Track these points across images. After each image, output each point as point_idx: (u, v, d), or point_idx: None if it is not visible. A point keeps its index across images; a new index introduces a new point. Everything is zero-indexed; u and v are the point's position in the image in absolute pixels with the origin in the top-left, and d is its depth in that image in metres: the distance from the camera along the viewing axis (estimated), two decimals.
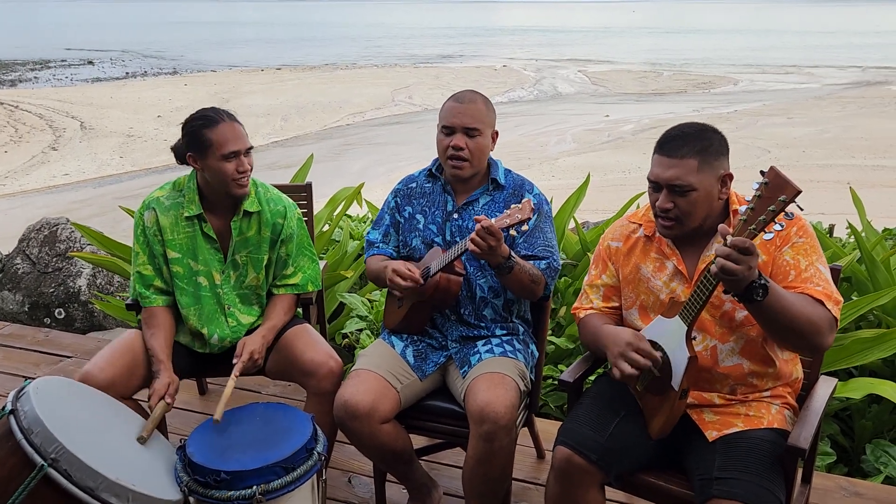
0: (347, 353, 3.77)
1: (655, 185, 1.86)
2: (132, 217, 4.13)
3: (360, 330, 3.68)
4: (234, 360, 2.25)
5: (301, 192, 2.93)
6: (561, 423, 3.12)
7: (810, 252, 1.82)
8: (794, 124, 16.12)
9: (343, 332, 3.71)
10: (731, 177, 1.86)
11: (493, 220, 2.00)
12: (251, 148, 2.30)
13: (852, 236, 4.32)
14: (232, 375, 2.20)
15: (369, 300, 3.87)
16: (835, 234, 4.95)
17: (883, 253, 3.63)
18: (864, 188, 10.72)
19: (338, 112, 18.48)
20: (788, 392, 1.96)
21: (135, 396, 2.31)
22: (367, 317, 3.73)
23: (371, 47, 37.15)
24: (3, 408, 1.84)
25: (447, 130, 2.27)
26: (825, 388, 1.99)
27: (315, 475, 2.01)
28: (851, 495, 2.54)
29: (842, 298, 1.79)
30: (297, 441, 1.99)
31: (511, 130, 15.55)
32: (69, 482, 1.72)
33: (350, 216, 5.07)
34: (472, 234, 2.00)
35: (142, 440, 2.01)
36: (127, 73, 26.67)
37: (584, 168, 12.60)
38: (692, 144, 1.81)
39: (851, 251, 3.92)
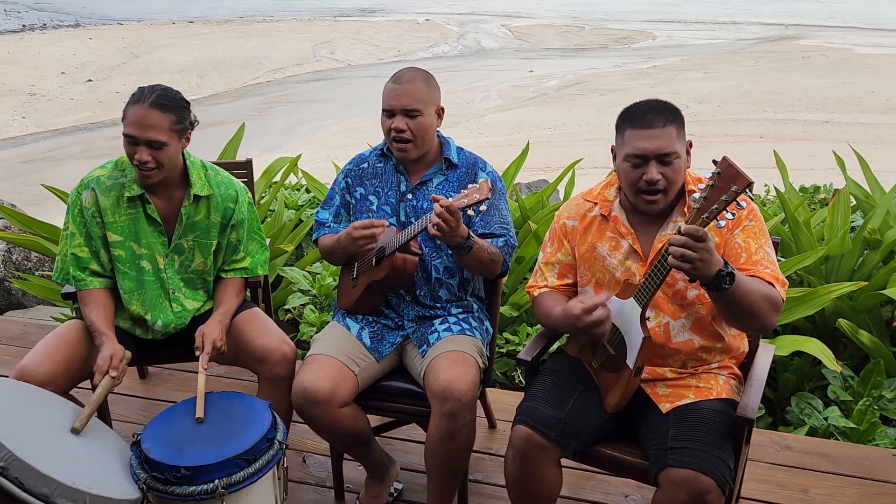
0: (291, 327, 3.72)
1: (640, 160, 1.87)
2: (54, 194, 3.95)
3: (304, 305, 3.64)
4: (197, 353, 2.18)
5: (241, 168, 2.84)
6: (507, 389, 3.23)
7: (759, 235, 1.90)
8: (710, 79, 16.57)
9: (286, 307, 3.66)
10: (691, 145, 1.94)
11: (450, 200, 2.00)
12: (158, 143, 2.11)
13: (775, 197, 4.52)
14: (200, 369, 2.14)
15: (310, 273, 3.82)
16: (754, 192, 5.16)
17: (805, 214, 3.81)
18: (775, 142, 11.22)
19: (257, 68, 17.89)
20: (733, 362, 2.06)
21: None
22: (309, 291, 3.68)
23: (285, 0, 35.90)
24: None
25: (388, 113, 2.24)
26: (766, 356, 2.09)
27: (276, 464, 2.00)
28: (783, 449, 2.71)
29: (787, 281, 1.88)
30: (257, 431, 1.96)
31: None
32: (22, 490, 1.65)
33: (283, 184, 4.96)
34: (433, 216, 1.99)
35: (75, 431, 1.91)
36: (24, 25, 24.96)
37: (510, 125, 12.65)
38: (666, 114, 1.87)
39: (775, 213, 4.10)
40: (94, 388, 2.09)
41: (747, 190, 1.58)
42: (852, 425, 2.90)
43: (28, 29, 24.12)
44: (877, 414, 2.95)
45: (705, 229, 1.63)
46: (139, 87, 2.17)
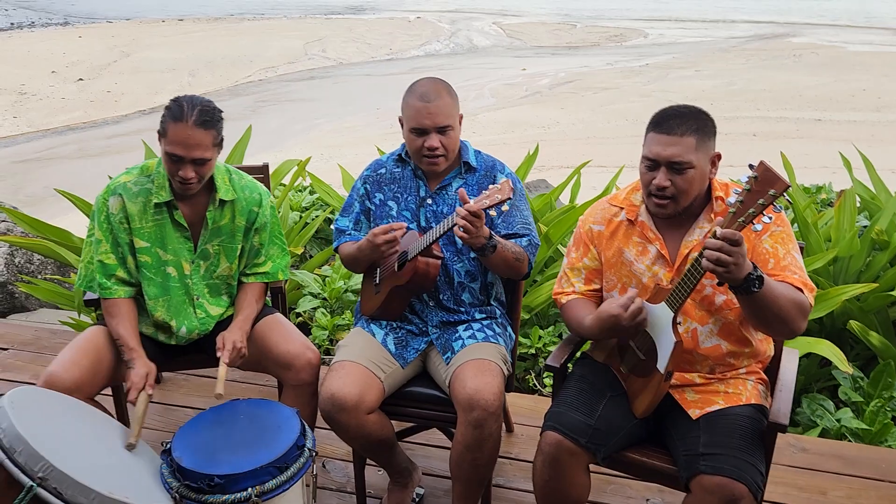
0: (302, 330, 3.71)
1: (653, 164, 1.88)
2: (68, 199, 3.92)
3: (315, 308, 3.64)
4: (218, 354, 2.19)
5: (259, 173, 2.83)
6: (521, 393, 3.24)
7: (787, 240, 1.91)
8: (702, 77, 16.64)
9: (297, 310, 3.66)
10: (719, 157, 1.93)
11: (473, 202, 2.00)
12: (203, 160, 2.13)
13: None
14: (221, 362, 2.16)
15: (320, 276, 3.82)
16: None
17: (813, 216, 3.84)
18: (768, 140, 11.29)
19: (249, 66, 17.78)
20: (759, 367, 2.08)
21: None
22: (320, 294, 3.68)
23: None
24: None
25: (418, 132, 2.22)
26: (791, 361, 2.11)
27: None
28: (799, 451, 2.73)
29: (814, 286, 1.90)
30: (288, 439, 1.97)
31: None
32: (61, 500, 1.65)
33: (283, 184, 4.95)
34: (460, 220, 1.99)
35: (131, 447, 1.94)
36: (12, 23, 24.73)
37: (504, 123, 12.65)
38: (690, 123, 1.86)
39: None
40: (132, 403, 2.10)
41: (784, 194, 1.60)
42: (865, 427, 2.93)
43: (16, 27, 23.90)
44: (889, 415, 2.98)
45: (741, 233, 1.64)
46: (176, 102, 2.13)
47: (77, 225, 4.24)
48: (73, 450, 1.79)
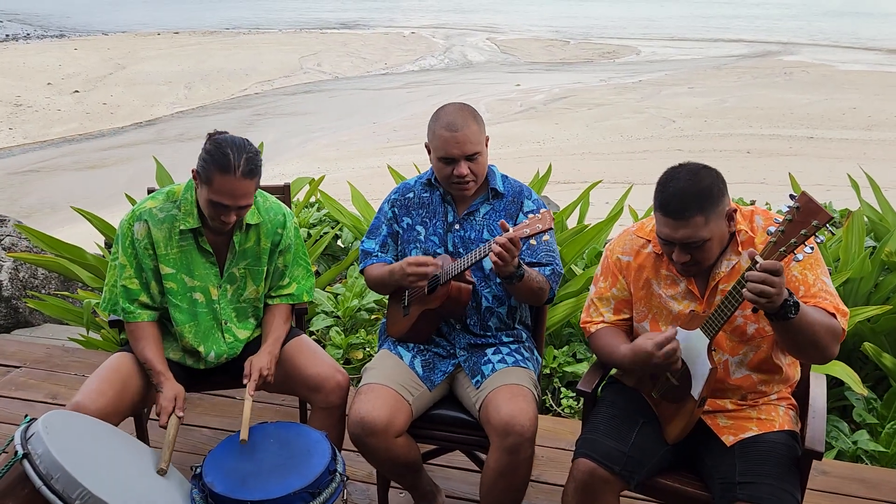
0: None
1: (668, 244, 1.90)
2: (85, 217, 3.91)
3: (329, 327, 3.63)
4: (245, 381, 2.17)
5: (279, 192, 2.83)
6: (540, 412, 3.22)
7: (815, 266, 1.92)
8: (695, 94, 16.77)
9: (310, 329, 3.64)
10: (736, 210, 1.92)
11: (511, 230, 2.01)
12: (247, 206, 2.15)
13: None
14: (247, 395, 2.14)
15: (333, 294, 3.81)
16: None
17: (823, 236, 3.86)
18: (762, 157, 11.38)
19: (245, 80, 17.81)
20: (788, 391, 2.09)
21: None
22: (333, 312, 3.67)
23: (270, 11, 35.85)
24: (11, 450, 1.71)
25: (447, 160, 2.23)
26: (820, 386, 2.11)
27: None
28: (820, 474, 2.74)
29: (847, 310, 1.91)
30: (319, 464, 1.95)
31: (424, 101, 15.44)
32: None
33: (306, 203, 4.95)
34: (496, 247, 1.99)
35: (162, 472, 1.93)
36: (7, 35, 24.68)
37: (499, 139, 12.69)
38: (694, 204, 1.81)
39: None
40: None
41: (827, 225, 1.61)
42: (882, 449, 2.94)
43: (12, 39, 23.84)
44: None
45: (781, 263, 1.65)
46: (220, 149, 2.07)
47: (79, 236, 4.22)
48: (108, 475, 1.77)
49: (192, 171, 2.16)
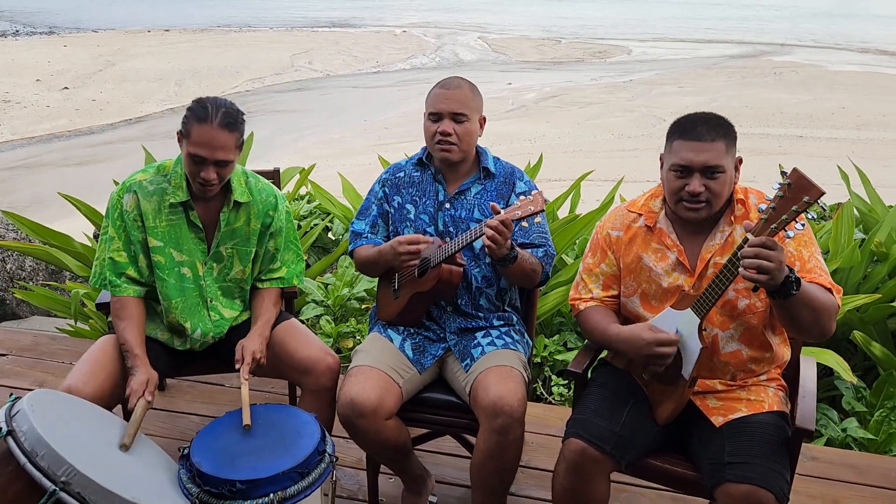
0: None
1: (684, 170, 1.89)
2: (72, 203, 3.88)
3: (319, 316, 3.61)
4: (237, 366, 2.16)
5: (269, 178, 2.80)
6: (528, 401, 3.22)
7: (809, 243, 1.93)
8: (685, 93, 16.83)
9: (301, 318, 3.62)
10: (741, 161, 1.95)
11: (503, 212, 2.00)
12: (226, 162, 2.12)
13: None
14: (242, 379, 2.12)
15: (323, 283, 3.79)
16: None
17: (812, 227, 3.88)
18: (753, 155, 11.41)
19: (235, 77, 17.75)
20: (778, 372, 2.09)
21: None
22: (323, 301, 3.65)
23: (262, 10, 35.75)
24: None
25: (434, 117, 2.26)
26: (810, 367, 2.11)
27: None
28: (809, 460, 2.74)
29: (841, 287, 1.91)
30: (309, 444, 1.94)
31: (416, 98, 15.43)
32: None
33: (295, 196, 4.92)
34: (489, 230, 1.98)
35: (124, 447, 1.88)
36: None
37: (490, 137, 12.71)
38: (717, 129, 1.88)
39: None
40: (126, 409, 2.06)
41: (818, 201, 1.61)
42: (871, 436, 2.95)
43: (0, 35, 23.67)
44: (893, 425, 3.01)
45: (775, 238, 1.65)
46: (200, 103, 2.11)
47: (71, 230, 4.19)
48: (95, 454, 1.75)
49: (178, 133, 2.15)
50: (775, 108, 15.15)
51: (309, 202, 4.94)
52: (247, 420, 1.98)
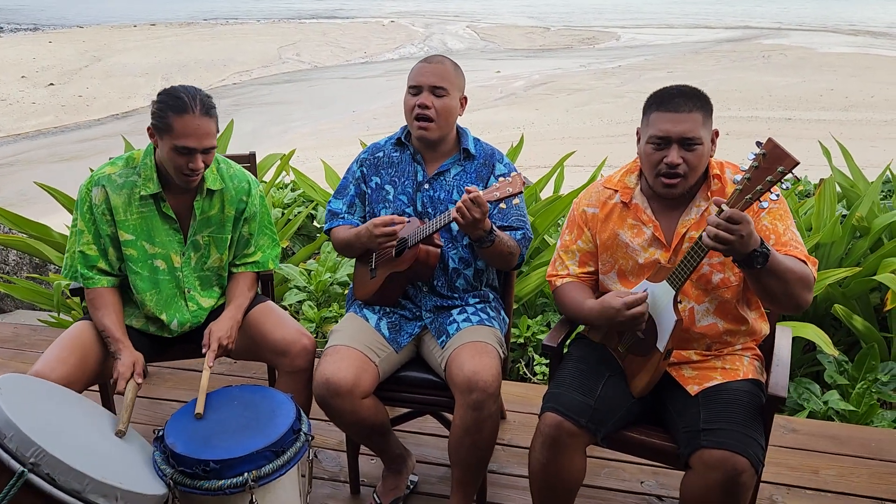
0: None
1: (662, 142, 1.88)
2: (48, 192, 3.85)
3: (301, 301, 3.60)
4: (204, 350, 2.14)
5: (244, 162, 2.80)
6: (511, 381, 3.23)
7: (785, 216, 1.92)
8: (674, 78, 16.82)
9: (283, 304, 3.62)
10: (717, 134, 1.95)
11: (481, 192, 1.99)
12: (212, 148, 2.11)
13: None
14: (205, 366, 2.10)
15: (306, 270, 3.78)
16: None
17: (794, 204, 3.89)
18: (741, 138, 11.44)
19: (222, 71, 17.68)
20: (754, 343, 2.09)
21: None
22: (306, 287, 3.64)
23: (248, 2, 35.55)
24: None
25: (414, 90, 2.24)
26: (785, 337, 2.12)
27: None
28: (790, 432, 2.75)
29: (816, 259, 1.91)
30: (283, 423, 1.93)
31: (404, 89, 15.27)
32: (53, 487, 1.61)
33: (264, 181, 4.90)
34: (459, 204, 1.98)
35: (121, 433, 1.90)
36: None
37: (479, 125, 12.68)
38: (694, 100, 1.87)
39: None
40: (119, 393, 2.05)
41: (793, 171, 1.60)
42: (852, 408, 2.96)
43: None
44: (874, 397, 3.02)
45: (745, 211, 1.65)
46: (172, 95, 2.07)
47: (55, 223, 4.16)
48: (65, 436, 1.74)
49: (148, 128, 2.12)
50: (764, 90, 15.17)
51: (293, 190, 4.92)
52: (199, 409, 1.97)
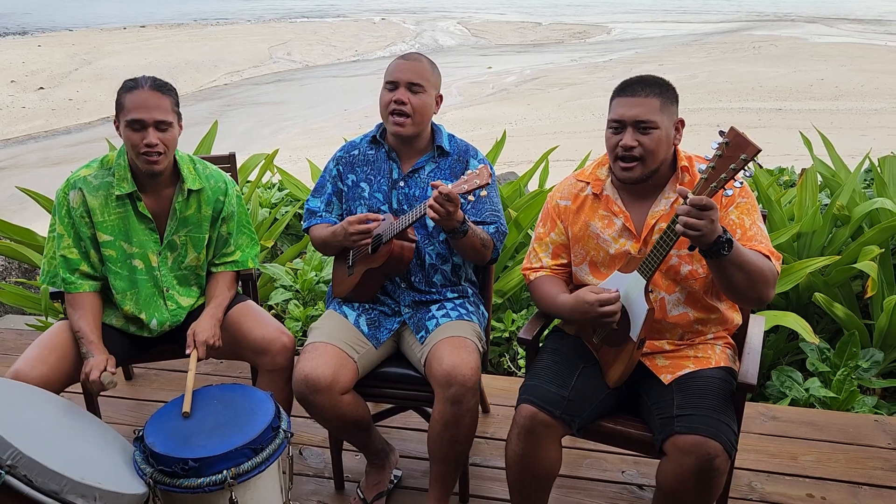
0: None
1: (618, 126, 1.92)
2: (30, 196, 3.86)
3: (287, 300, 3.62)
4: (188, 351, 2.16)
5: (224, 163, 2.81)
6: (495, 374, 3.25)
7: (752, 211, 1.95)
8: (665, 70, 16.82)
9: (269, 303, 3.63)
10: (683, 123, 1.97)
11: (450, 186, 2.01)
12: (166, 123, 2.13)
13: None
14: (190, 366, 2.12)
15: (292, 269, 3.80)
16: None
17: (776, 193, 3.91)
18: None
19: (213, 71, 17.65)
20: (727, 333, 2.11)
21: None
22: (291, 286, 3.66)
23: (238, 2, 35.49)
24: None
25: (390, 86, 2.26)
26: (758, 326, 2.15)
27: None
28: (770, 420, 2.78)
29: (781, 254, 1.94)
30: (262, 421, 1.95)
31: None
32: (31, 488, 1.62)
33: (249, 181, 4.92)
34: (430, 200, 2.00)
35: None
36: None
37: (471, 121, 12.71)
38: (652, 86, 1.91)
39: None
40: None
41: (755, 158, 1.62)
42: (832, 395, 2.99)
43: None
44: (855, 383, 3.05)
45: (711, 198, 1.67)
46: (126, 81, 2.17)
47: (41, 228, 4.18)
48: (43, 437, 1.76)
49: (114, 121, 2.16)
50: (755, 81, 15.20)
51: (280, 190, 4.93)
52: (186, 408, 1.99)
